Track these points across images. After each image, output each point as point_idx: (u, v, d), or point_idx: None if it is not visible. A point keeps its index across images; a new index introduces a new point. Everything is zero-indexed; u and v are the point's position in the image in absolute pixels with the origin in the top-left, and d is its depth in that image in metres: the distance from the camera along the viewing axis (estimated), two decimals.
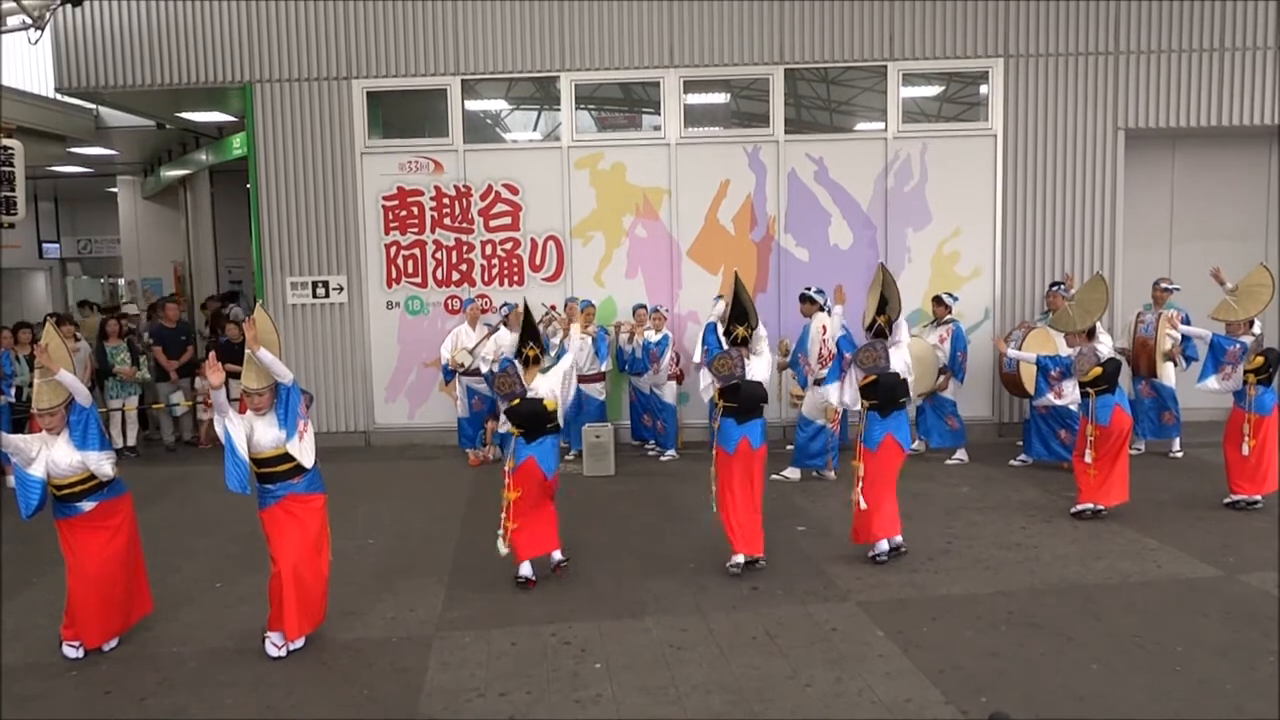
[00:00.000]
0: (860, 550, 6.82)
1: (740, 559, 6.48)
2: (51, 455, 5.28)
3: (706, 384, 6.62)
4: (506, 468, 6.30)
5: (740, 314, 6.51)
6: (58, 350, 5.46)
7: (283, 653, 5.35)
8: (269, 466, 5.35)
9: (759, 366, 6.53)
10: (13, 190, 10.07)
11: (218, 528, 7.84)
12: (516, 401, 6.28)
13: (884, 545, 6.72)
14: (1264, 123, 10.77)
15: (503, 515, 6.24)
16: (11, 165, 10.01)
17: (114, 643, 5.55)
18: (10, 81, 12.21)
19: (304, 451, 5.37)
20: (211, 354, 5.43)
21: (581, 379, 10.08)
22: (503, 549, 6.22)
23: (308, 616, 5.42)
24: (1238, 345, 7.70)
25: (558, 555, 6.54)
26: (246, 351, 5.34)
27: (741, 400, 6.44)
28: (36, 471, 5.27)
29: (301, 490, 5.41)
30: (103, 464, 5.32)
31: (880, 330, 6.66)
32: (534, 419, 6.31)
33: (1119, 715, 4.50)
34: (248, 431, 5.28)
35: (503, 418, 6.39)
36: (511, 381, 6.31)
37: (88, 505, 5.38)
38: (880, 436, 6.64)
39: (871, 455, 6.65)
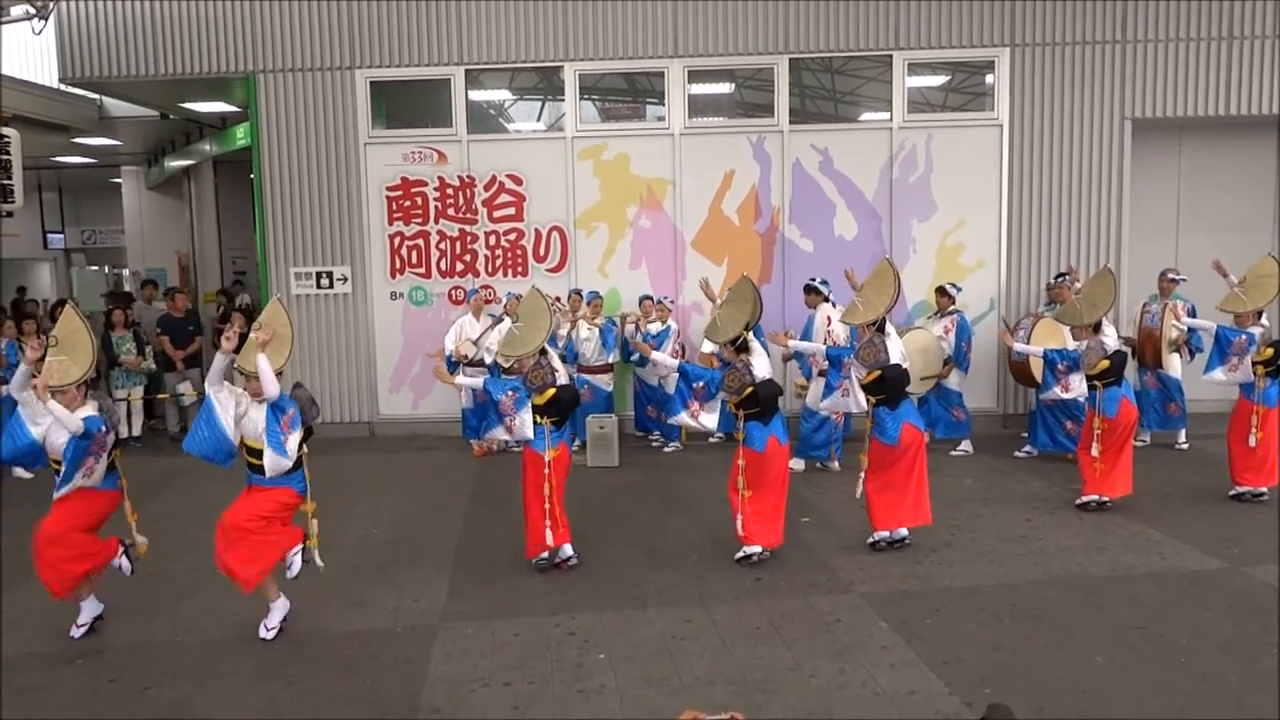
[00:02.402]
0: (863, 541, 6.83)
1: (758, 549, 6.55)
2: (50, 432, 5.30)
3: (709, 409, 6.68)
4: (548, 458, 6.31)
5: (755, 318, 6.54)
6: (74, 335, 5.42)
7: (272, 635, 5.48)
8: (256, 457, 5.39)
9: (761, 364, 6.52)
10: (10, 178, 10.08)
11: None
12: (553, 391, 6.29)
13: (902, 532, 6.76)
14: (1273, 112, 10.70)
15: (548, 506, 6.33)
16: (8, 153, 10.02)
17: (83, 631, 5.58)
18: (13, 71, 12.23)
19: (272, 459, 5.31)
20: (235, 319, 5.41)
21: (589, 370, 10.12)
22: (551, 540, 6.38)
23: (237, 561, 5.39)
24: (1243, 336, 7.67)
25: (568, 550, 6.56)
26: (251, 335, 5.36)
27: (763, 402, 6.44)
28: (34, 431, 5.28)
29: (265, 484, 5.41)
30: (64, 478, 5.29)
31: (881, 325, 6.65)
32: (574, 404, 6.45)
33: (1122, 708, 4.49)
34: (240, 413, 5.30)
35: (524, 417, 6.31)
36: (544, 372, 6.31)
37: (59, 491, 5.37)
38: (899, 429, 6.62)
39: (894, 449, 6.63)
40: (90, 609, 5.64)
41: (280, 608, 5.57)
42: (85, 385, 5.41)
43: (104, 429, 5.38)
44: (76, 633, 5.58)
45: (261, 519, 5.42)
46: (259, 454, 5.36)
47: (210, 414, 5.25)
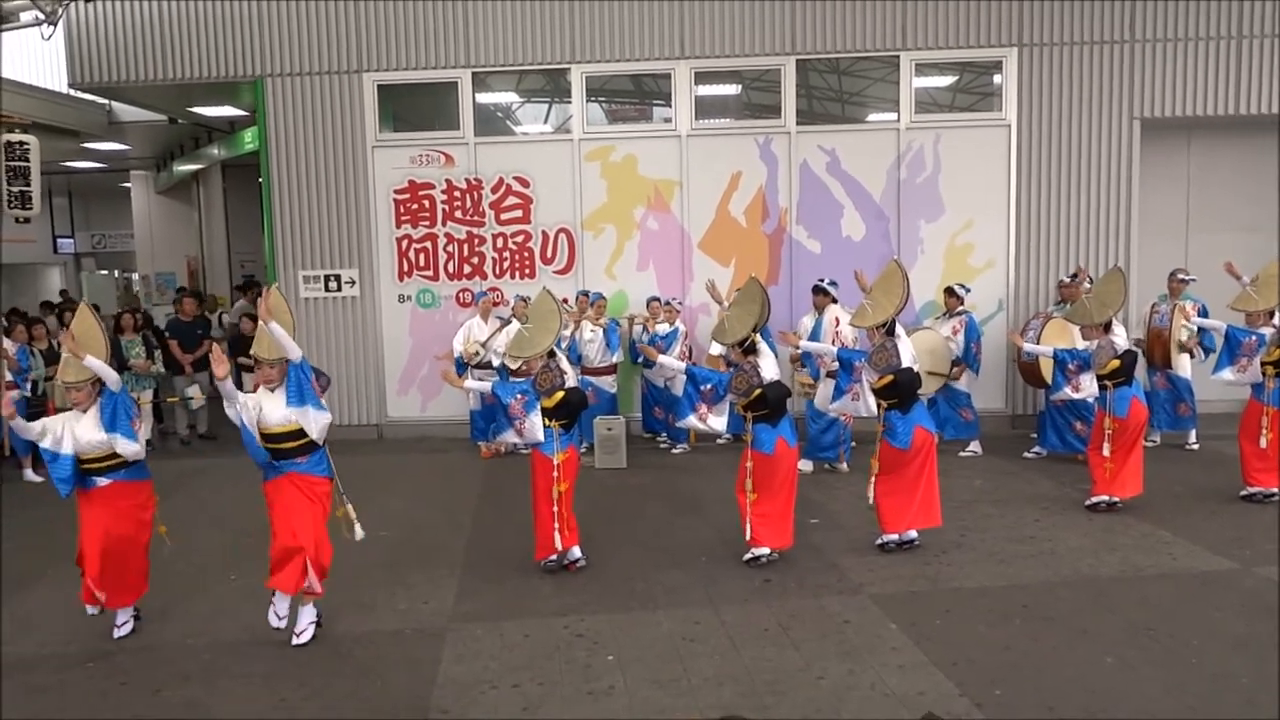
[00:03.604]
0: (872, 542, 6.82)
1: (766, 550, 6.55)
2: (76, 430, 5.36)
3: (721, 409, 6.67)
4: (557, 460, 6.31)
5: (763, 320, 6.55)
6: (88, 333, 5.51)
7: (283, 624, 5.43)
8: (275, 443, 5.40)
9: (769, 365, 6.51)
10: (28, 185, 10.15)
11: (231, 520, 7.87)
12: (561, 394, 6.31)
13: (912, 534, 6.75)
14: None
15: (556, 509, 6.31)
16: (27, 160, 10.09)
17: (127, 629, 5.62)
18: (23, 77, 12.28)
19: (314, 423, 5.38)
20: (215, 346, 5.46)
21: (593, 371, 10.12)
22: (559, 544, 6.35)
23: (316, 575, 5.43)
24: (1253, 337, 7.63)
25: (577, 553, 6.56)
26: (260, 325, 5.45)
27: (771, 405, 6.43)
28: (64, 449, 5.36)
29: (303, 470, 5.44)
30: (128, 446, 5.39)
31: (890, 328, 6.64)
32: (582, 406, 6.47)
33: (1132, 708, 4.47)
34: (255, 408, 5.35)
35: (533, 420, 6.30)
36: (553, 375, 6.32)
37: (102, 481, 5.45)
38: (910, 432, 6.60)
39: (904, 453, 6.61)
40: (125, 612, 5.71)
41: (308, 613, 5.57)
42: (99, 383, 5.46)
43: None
44: (120, 632, 5.65)
45: (322, 526, 5.48)
46: (281, 438, 5.36)
47: (244, 428, 5.34)
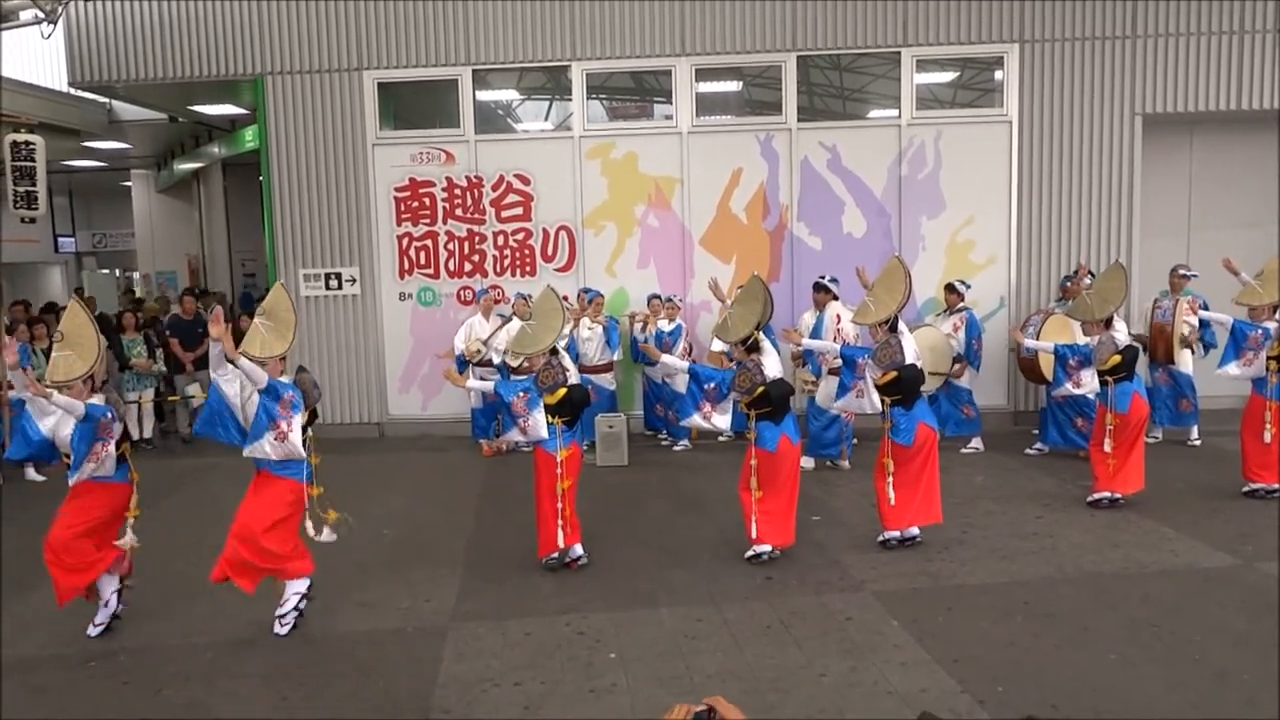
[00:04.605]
0: (874, 539, 6.81)
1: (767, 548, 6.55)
2: (58, 425, 5.37)
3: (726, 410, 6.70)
4: (560, 458, 6.31)
5: (766, 317, 6.54)
6: (81, 331, 5.48)
7: (285, 630, 5.57)
8: None
9: (772, 363, 6.50)
10: (33, 185, 10.17)
11: (231, 520, 7.85)
12: (564, 391, 6.31)
13: (914, 530, 6.76)
14: None
15: (560, 505, 6.33)
16: (32, 160, 10.12)
17: (98, 631, 5.63)
18: (23, 76, 12.28)
19: (257, 450, 5.40)
20: (218, 309, 5.46)
21: (592, 369, 10.11)
22: (562, 541, 6.36)
23: (242, 573, 5.49)
24: (1259, 331, 7.61)
25: (579, 550, 6.56)
26: (255, 321, 5.46)
27: (774, 402, 6.43)
28: (44, 427, 5.38)
29: (274, 471, 5.50)
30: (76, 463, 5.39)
31: (893, 324, 6.63)
32: (584, 403, 6.48)
33: (1134, 706, 4.46)
34: (246, 396, 5.39)
35: (536, 417, 6.30)
36: (555, 372, 6.33)
37: (71, 478, 5.44)
38: (914, 429, 6.60)
39: (907, 450, 6.60)
40: (107, 610, 5.68)
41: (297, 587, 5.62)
42: (91, 380, 5.44)
43: (109, 416, 5.42)
44: (94, 631, 5.62)
45: (276, 525, 5.47)
46: None
47: (217, 396, 5.37)
